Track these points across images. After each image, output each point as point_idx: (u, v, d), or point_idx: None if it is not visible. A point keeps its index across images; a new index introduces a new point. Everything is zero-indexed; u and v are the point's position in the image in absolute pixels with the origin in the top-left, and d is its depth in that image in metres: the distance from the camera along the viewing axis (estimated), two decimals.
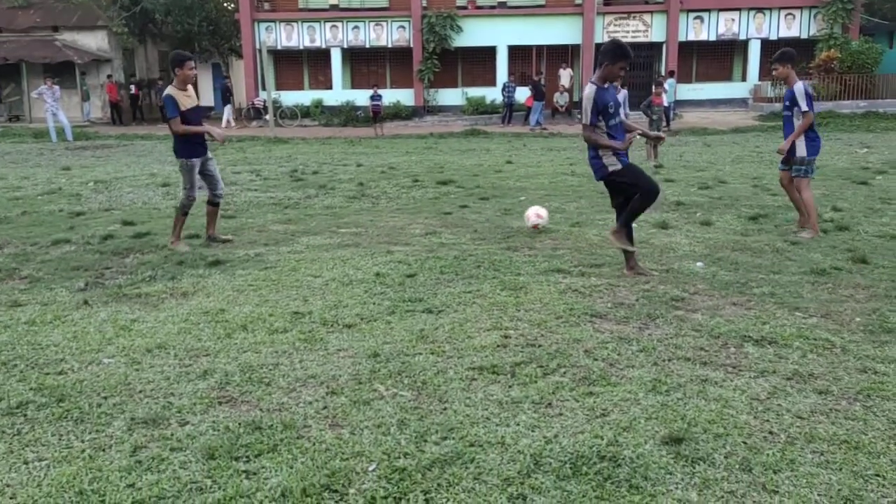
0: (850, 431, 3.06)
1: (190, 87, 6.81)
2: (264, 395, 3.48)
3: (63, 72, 28.09)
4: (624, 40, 28.09)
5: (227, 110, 25.98)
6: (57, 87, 20.83)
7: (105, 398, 3.46)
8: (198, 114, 6.87)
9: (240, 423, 3.17)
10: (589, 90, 5.34)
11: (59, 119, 20.61)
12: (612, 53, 5.37)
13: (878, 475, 2.73)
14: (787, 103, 7.08)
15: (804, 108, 6.87)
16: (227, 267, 6.02)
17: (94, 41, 28.86)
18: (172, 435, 3.08)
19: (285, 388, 3.56)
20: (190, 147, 6.72)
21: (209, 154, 6.95)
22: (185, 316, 4.69)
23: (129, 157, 16.51)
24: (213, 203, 7.09)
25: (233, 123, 25.80)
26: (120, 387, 3.59)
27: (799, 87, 6.93)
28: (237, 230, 7.66)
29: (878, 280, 5.38)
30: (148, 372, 3.78)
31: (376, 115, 23.15)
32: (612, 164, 5.43)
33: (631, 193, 5.49)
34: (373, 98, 23.13)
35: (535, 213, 7.42)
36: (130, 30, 28.95)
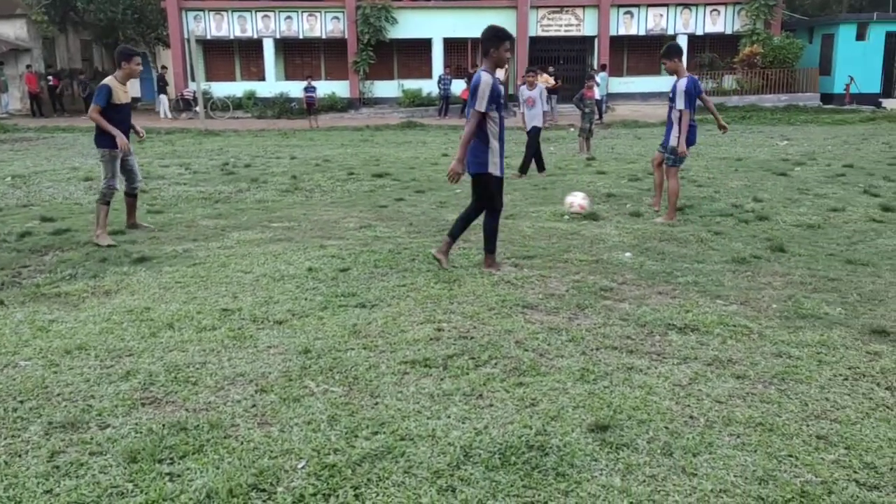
0: (766, 414, 3.19)
1: (128, 83, 6.89)
2: (190, 395, 3.40)
3: None
4: (557, 34, 28.35)
5: (164, 101, 25.27)
6: None
7: (21, 402, 3.33)
8: (128, 111, 6.95)
9: (164, 425, 3.09)
10: (487, 77, 5.15)
11: None
12: (495, 37, 5.19)
13: (791, 456, 2.85)
14: (671, 96, 7.35)
15: (679, 106, 7.14)
16: (154, 264, 5.85)
17: (13, 30, 27.58)
18: (92, 439, 2.98)
19: (213, 387, 3.49)
20: (113, 138, 6.65)
21: (131, 149, 6.98)
22: (108, 315, 4.53)
23: (50, 150, 15.85)
24: (130, 195, 7.27)
25: (169, 115, 25.10)
26: (37, 390, 3.46)
27: (681, 83, 7.17)
28: (165, 225, 7.45)
29: (794, 268, 5.62)
30: (67, 374, 3.64)
31: (310, 106, 22.82)
32: (496, 169, 5.33)
33: (480, 205, 5.46)
34: (307, 90, 22.76)
35: (580, 203, 7.61)
36: (51, 18, 27.76)
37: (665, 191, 7.70)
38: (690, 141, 7.39)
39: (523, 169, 11.26)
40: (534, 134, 11.14)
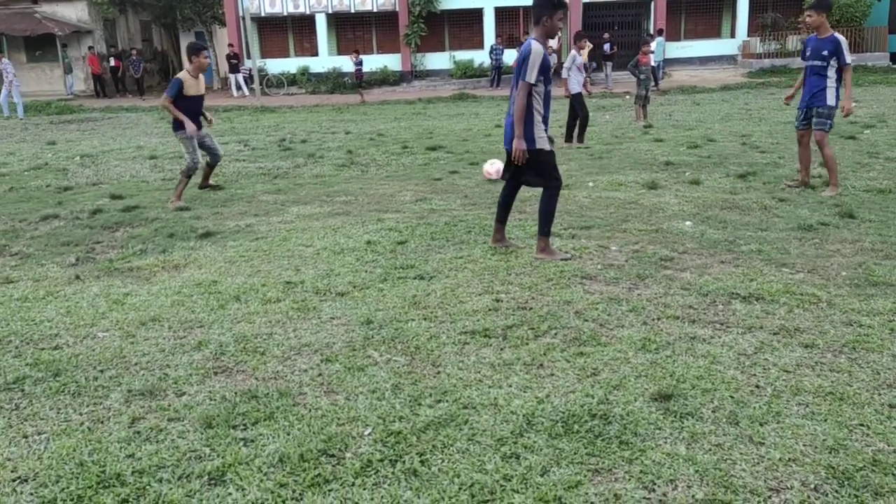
0: (836, 383, 3.12)
1: (200, 76, 7.62)
2: (259, 365, 3.52)
3: (44, 44, 27.66)
4: None
5: (239, 78, 25.67)
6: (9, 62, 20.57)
7: (101, 371, 3.49)
8: (199, 100, 7.68)
9: (236, 393, 3.21)
10: (538, 47, 4.81)
11: (15, 95, 20.24)
12: (549, 3, 4.83)
13: (862, 425, 2.79)
14: (825, 53, 6.72)
15: (848, 60, 6.66)
16: (218, 238, 6.02)
17: (74, 12, 28.35)
18: (170, 406, 3.12)
19: (280, 357, 3.60)
20: (179, 121, 7.45)
21: (204, 130, 7.79)
22: (178, 288, 4.70)
23: (115, 129, 16.34)
24: (211, 166, 8.21)
25: (245, 91, 25.47)
26: (115, 360, 3.62)
27: (842, 38, 6.68)
28: (227, 201, 7.64)
29: (864, 234, 5.43)
30: (143, 345, 3.80)
31: (360, 79, 22.88)
32: (542, 141, 4.97)
33: (532, 181, 5.12)
34: (357, 64, 22.85)
35: (496, 169, 7.94)
36: (111, 0, 28.41)
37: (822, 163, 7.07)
38: (832, 100, 6.83)
39: (580, 138, 11.12)
40: (579, 98, 11.02)
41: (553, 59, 25.98)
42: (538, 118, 4.97)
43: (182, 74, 7.50)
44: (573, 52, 11.33)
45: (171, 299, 4.49)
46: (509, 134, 5.04)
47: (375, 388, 3.23)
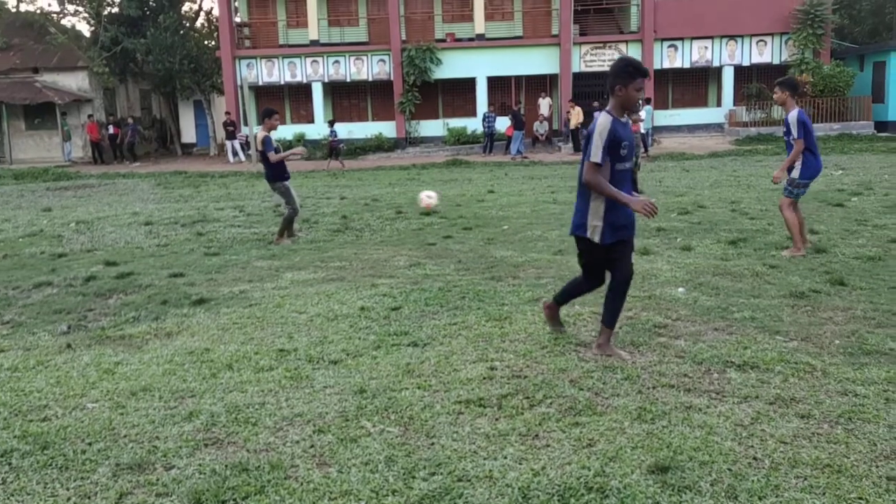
0: (833, 455, 3.10)
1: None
2: (251, 436, 3.47)
3: (44, 112, 28.11)
4: (600, 69, 28.32)
5: (235, 145, 26.02)
6: None
7: (89, 444, 3.44)
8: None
9: (226, 465, 3.16)
10: (604, 119, 4.20)
11: None
12: (624, 71, 4.22)
13: (860, 498, 2.76)
14: (785, 129, 7.33)
15: (794, 135, 7.15)
16: (212, 305, 6.01)
17: (75, 81, 28.92)
18: (158, 480, 3.06)
19: (272, 428, 3.55)
20: (281, 172, 9.03)
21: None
22: (170, 357, 4.67)
23: (111, 196, 16.46)
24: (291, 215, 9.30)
25: (242, 158, 25.77)
26: (104, 432, 3.57)
27: (793, 115, 7.18)
28: (221, 268, 7.65)
29: (855, 302, 5.47)
30: (133, 416, 3.75)
31: (333, 149, 22.72)
32: (595, 234, 4.32)
33: (595, 271, 4.57)
34: (332, 133, 22.81)
35: (426, 195, 8.53)
36: (111, 70, 29.04)
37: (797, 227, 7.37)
38: (809, 174, 7.25)
39: None
40: None
41: (544, 127, 26.22)
42: (596, 204, 4.30)
43: (263, 133, 8.90)
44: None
45: (163, 368, 4.45)
46: (574, 218, 4.45)
47: (368, 459, 3.19)
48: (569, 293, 4.88)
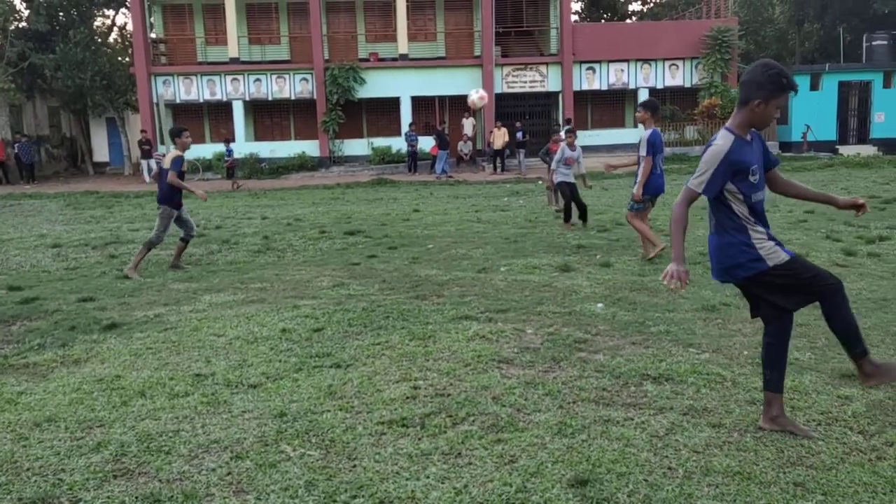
0: (743, 463, 3.21)
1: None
2: (163, 465, 3.33)
3: None
4: (522, 90, 28.80)
5: (152, 164, 25.10)
6: None
7: None
8: (184, 175, 8.59)
9: (137, 497, 3.02)
10: (723, 140, 3.44)
11: None
12: (771, 83, 3.31)
13: None
14: (638, 146, 8.11)
15: (642, 153, 7.97)
16: (124, 330, 5.77)
17: None
18: None
19: (186, 456, 3.42)
20: (175, 199, 8.44)
21: (183, 207, 8.66)
22: (77, 385, 4.45)
23: (17, 217, 15.68)
24: (185, 240, 8.75)
25: (148, 179, 24.93)
26: (6, 465, 3.36)
27: (646, 134, 7.93)
28: (135, 291, 7.37)
29: None
30: (36, 448, 3.55)
31: (231, 169, 22.33)
32: (773, 253, 3.43)
33: (795, 298, 3.49)
34: (227, 153, 22.34)
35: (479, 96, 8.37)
36: (18, 86, 27.77)
37: (647, 237, 8.27)
38: (651, 189, 8.03)
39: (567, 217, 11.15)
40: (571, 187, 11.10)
41: (468, 147, 26.44)
42: (756, 229, 3.50)
43: (175, 152, 8.45)
44: (563, 145, 11.37)
45: (70, 397, 4.24)
46: (714, 260, 3.66)
47: (288, 485, 3.11)
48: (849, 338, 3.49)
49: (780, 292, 3.49)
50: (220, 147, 27.19)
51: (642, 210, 8.20)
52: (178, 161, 8.42)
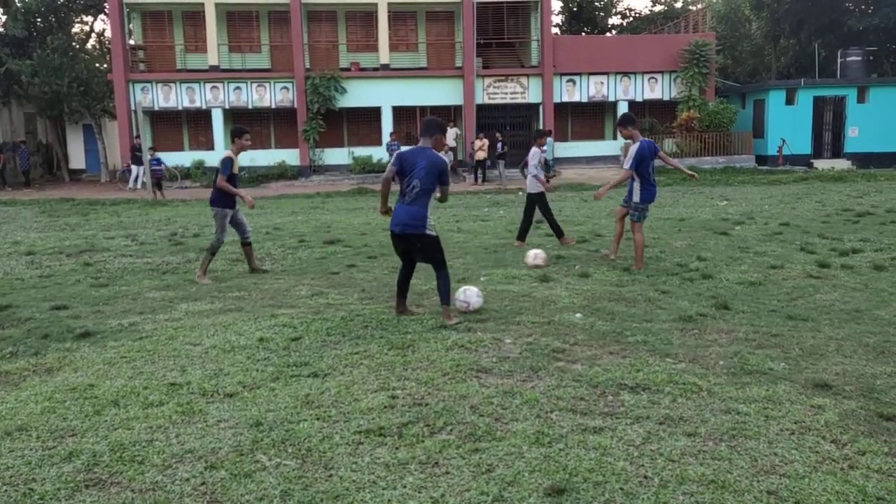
0: (717, 471, 3.24)
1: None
2: (136, 475, 3.29)
3: None
4: (503, 101, 28.99)
5: (139, 170, 24.60)
6: None
7: None
8: (237, 179, 8.47)
9: None
10: None
11: None
12: None
13: None
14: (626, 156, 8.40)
15: (625, 165, 8.25)
16: (98, 338, 5.70)
17: None
18: None
19: (160, 466, 3.38)
20: (227, 199, 8.25)
21: (237, 207, 8.46)
22: (50, 394, 4.38)
23: None
24: (246, 243, 8.71)
25: (132, 185, 24.54)
26: None
27: (633, 147, 8.18)
28: (110, 299, 7.29)
29: (738, 325, 5.77)
30: (6, 457, 3.49)
31: (158, 180, 21.30)
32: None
33: None
34: (153, 162, 21.32)
35: (536, 256, 8.46)
36: None
37: (629, 242, 8.59)
38: (649, 197, 8.28)
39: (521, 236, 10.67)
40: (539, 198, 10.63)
41: (450, 157, 26.58)
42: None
43: (230, 153, 8.27)
44: (535, 149, 10.72)
45: (42, 406, 4.17)
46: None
47: (263, 495, 3.08)
48: None
49: None
50: (199, 155, 27.04)
51: (645, 217, 8.46)
52: (227, 163, 8.16)
